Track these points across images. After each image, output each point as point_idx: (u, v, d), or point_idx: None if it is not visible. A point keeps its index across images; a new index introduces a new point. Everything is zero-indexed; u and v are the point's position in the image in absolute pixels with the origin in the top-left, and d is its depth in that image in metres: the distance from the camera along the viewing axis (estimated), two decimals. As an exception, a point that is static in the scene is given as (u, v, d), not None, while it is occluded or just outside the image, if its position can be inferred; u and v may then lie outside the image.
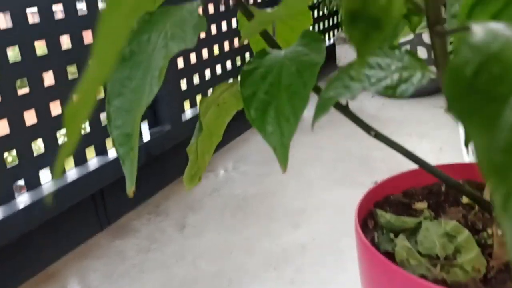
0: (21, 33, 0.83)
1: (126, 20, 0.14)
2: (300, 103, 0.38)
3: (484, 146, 0.18)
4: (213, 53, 1.34)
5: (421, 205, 0.55)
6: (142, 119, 1.15)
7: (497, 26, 0.21)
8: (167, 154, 1.13)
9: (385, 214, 0.50)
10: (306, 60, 0.39)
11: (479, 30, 0.21)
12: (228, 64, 1.41)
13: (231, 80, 1.53)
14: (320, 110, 0.31)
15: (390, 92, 0.30)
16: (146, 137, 1.09)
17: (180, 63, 1.23)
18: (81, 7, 0.95)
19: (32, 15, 0.88)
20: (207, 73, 1.33)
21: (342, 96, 0.31)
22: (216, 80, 1.37)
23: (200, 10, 0.38)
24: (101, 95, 0.95)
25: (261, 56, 0.42)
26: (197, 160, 0.53)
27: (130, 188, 0.38)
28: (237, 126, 1.39)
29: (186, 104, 1.26)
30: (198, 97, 1.29)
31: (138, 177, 1.15)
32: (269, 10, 0.54)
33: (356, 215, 0.50)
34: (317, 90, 0.46)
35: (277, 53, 0.42)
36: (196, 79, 1.28)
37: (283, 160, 0.38)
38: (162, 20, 0.39)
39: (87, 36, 0.95)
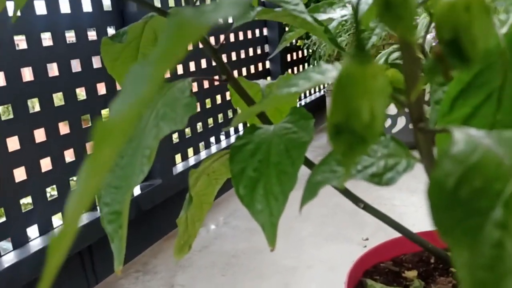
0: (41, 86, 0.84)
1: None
2: (288, 182, 0.38)
3: (466, 262, 0.18)
4: (205, 105, 1.36)
5: (411, 273, 0.54)
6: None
7: (478, 134, 0.22)
8: (156, 209, 1.12)
9: (375, 284, 0.50)
10: (294, 138, 0.40)
11: (460, 137, 0.21)
12: (220, 117, 1.43)
13: (222, 134, 1.52)
14: (307, 195, 0.32)
15: (376, 180, 0.30)
16: (136, 191, 1.08)
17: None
18: (96, 61, 0.98)
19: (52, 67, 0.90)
20: (199, 126, 1.34)
21: (330, 181, 0.31)
22: (208, 133, 1.38)
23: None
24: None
25: (251, 131, 0.42)
26: (187, 230, 0.52)
27: (118, 267, 0.37)
28: (228, 180, 1.39)
29: (178, 158, 1.26)
30: (190, 150, 1.30)
31: (127, 234, 1.12)
32: (259, 82, 0.56)
33: (346, 286, 0.50)
34: (308, 164, 0.47)
35: (266, 128, 0.43)
36: (188, 132, 1.29)
37: (272, 238, 0.38)
38: (154, 97, 0.40)
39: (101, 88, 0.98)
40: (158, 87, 0.14)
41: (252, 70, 1.62)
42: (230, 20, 1.39)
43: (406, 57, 0.22)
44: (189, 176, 0.47)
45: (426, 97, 1.18)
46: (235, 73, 1.51)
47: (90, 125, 1.01)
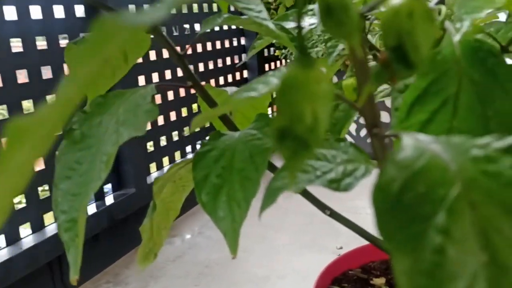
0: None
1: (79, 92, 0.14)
2: (251, 188, 0.37)
3: (406, 268, 0.18)
4: (181, 114, 1.35)
5: (379, 280, 0.54)
6: (106, 182, 1.13)
7: (426, 139, 0.22)
8: (129, 218, 1.10)
9: (343, 293, 0.50)
10: (258, 144, 0.39)
11: (408, 142, 0.21)
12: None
13: (199, 143, 1.51)
14: (267, 201, 0.31)
15: (335, 186, 0.30)
16: (109, 200, 1.07)
17: (148, 125, 1.23)
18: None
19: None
20: (174, 134, 1.33)
21: (289, 187, 0.31)
22: (184, 142, 1.37)
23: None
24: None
25: (215, 138, 0.42)
26: (153, 237, 0.51)
27: (73, 277, 0.36)
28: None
29: (153, 167, 1.24)
30: (165, 159, 1.29)
31: (99, 242, 1.11)
32: (227, 91, 0.55)
33: (314, 294, 0.49)
34: (273, 170, 0.46)
35: (231, 135, 0.42)
36: (163, 141, 1.28)
37: (233, 245, 0.37)
38: (116, 103, 0.39)
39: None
40: (83, 88, 0.14)
41: (230, 79, 1.62)
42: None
43: (355, 62, 0.21)
44: (154, 183, 0.46)
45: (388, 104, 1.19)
46: (212, 82, 1.51)
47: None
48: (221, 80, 1.57)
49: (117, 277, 0.99)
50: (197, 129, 1.41)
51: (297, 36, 0.17)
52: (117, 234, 1.08)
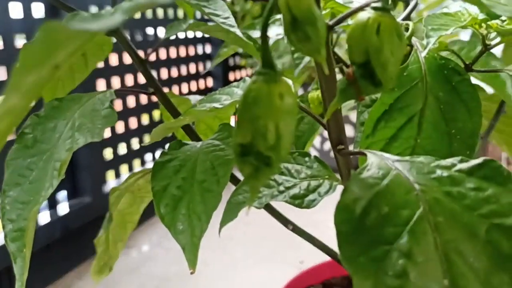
0: None
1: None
2: (212, 201, 0.36)
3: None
4: (142, 122, 1.32)
5: (340, 297, 0.54)
6: (60, 189, 1.08)
7: (391, 158, 0.21)
8: (84, 228, 1.06)
9: (303, 309, 0.49)
10: (221, 155, 0.38)
11: (373, 161, 0.21)
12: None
13: (159, 150, 1.48)
14: (227, 216, 0.30)
15: (298, 202, 0.29)
16: (64, 209, 1.03)
17: (107, 132, 1.19)
18: None
19: None
20: (134, 142, 1.30)
21: (251, 203, 0.30)
22: (144, 151, 1.33)
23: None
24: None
25: (176, 147, 0.40)
26: (108, 250, 0.49)
27: (19, 291, 0.34)
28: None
29: (112, 175, 1.21)
30: (124, 167, 1.25)
31: (51, 252, 1.07)
32: (191, 99, 0.54)
33: (273, 310, 0.48)
34: (234, 180, 0.45)
35: (193, 145, 0.41)
36: (122, 149, 1.24)
37: (193, 260, 0.36)
38: (72, 107, 0.37)
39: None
40: (30, 97, 0.12)
41: (194, 87, 1.60)
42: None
43: (321, 76, 0.21)
44: (110, 193, 0.44)
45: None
46: (176, 89, 1.49)
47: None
48: (185, 88, 1.55)
49: (69, 288, 0.95)
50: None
51: (262, 47, 0.17)
52: (71, 244, 1.03)
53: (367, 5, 0.19)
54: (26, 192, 0.36)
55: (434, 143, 0.30)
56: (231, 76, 1.83)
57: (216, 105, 0.28)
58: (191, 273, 0.37)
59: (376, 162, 0.21)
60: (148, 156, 1.36)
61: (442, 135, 0.30)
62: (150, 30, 1.34)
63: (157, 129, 0.31)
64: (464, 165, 0.20)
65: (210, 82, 1.72)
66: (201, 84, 1.65)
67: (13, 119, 0.13)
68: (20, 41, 0.92)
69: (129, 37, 0.44)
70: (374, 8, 0.18)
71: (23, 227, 0.35)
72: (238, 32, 0.35)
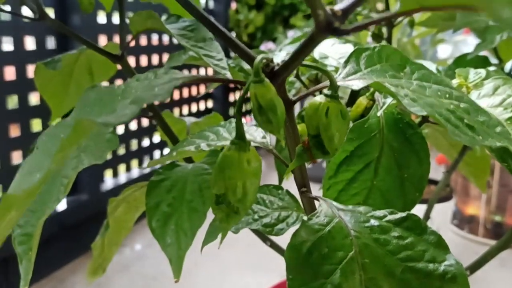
0: None
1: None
2: (198, 219, 0.41)
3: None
4: (141, 124, 1.37)
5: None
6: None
7: (338, 207, 0.26)
8: (80, 224, 1.11)
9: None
10: (208, 179, 0.43)
11: (322, 208, 0.26)
12: (157, 137, 1.44)
13: (157, 153, 1.51)
14: (208, 238, 0.36)
15: (268, 230, 0.34)
16: (61, 206, 1.08)
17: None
18: (35, 95, 0.96)
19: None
20: (134, 143, 1.35)
21: (225, 233, 0.35)
22: (142, 152, 1.38)
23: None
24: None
25: (170, 168, 0.46)
26: (103, 253, 0.54)
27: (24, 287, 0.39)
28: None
29: (109, 173, 1.26)
30: (122, 166, 1.30)
31: (47, 247, 1.12)
32: (185, 120, 0.59)
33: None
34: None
35: (184, 166, 0.46)
36: (121, 149, 1.29)
37: (178, 271, 0.41)
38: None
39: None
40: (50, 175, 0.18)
41: (194, 109, 1.64)
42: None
43: (287, 137, 0.26)
44: (109, 204, 0.49)
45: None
46: (176, 111, 1.52)
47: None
48: (185, 110, 1.58)
49: (63, 282, 1.00)
50: (156, 140, 1.44)
51: (236, 123, 0.22)
52: (67, 239, 1.08)
53: (320, 89, 0.24)
54: (35, 202, 0.41)
55: (388, 185, 0.36)
56: (231, 97, 1.86)
57: (203, 146, 0.33)
58: (176, 281, 0.42)
59: (324, 209, 0.26)
60: (146, 157, 1.41)
61: (395, 179, 0.36)
62: (155, 58, 1.38)
63: (153, 162, 0.37)
64: (392, 217, 0.25)
65: (210, 103, 1.76)
66: (202, 105, 1.69)
67: (35, 189, 0.18)
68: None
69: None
70: (325, 95, 0.23)
71: (30, 232, 0.40)
72: (228, 74, 0.41)
